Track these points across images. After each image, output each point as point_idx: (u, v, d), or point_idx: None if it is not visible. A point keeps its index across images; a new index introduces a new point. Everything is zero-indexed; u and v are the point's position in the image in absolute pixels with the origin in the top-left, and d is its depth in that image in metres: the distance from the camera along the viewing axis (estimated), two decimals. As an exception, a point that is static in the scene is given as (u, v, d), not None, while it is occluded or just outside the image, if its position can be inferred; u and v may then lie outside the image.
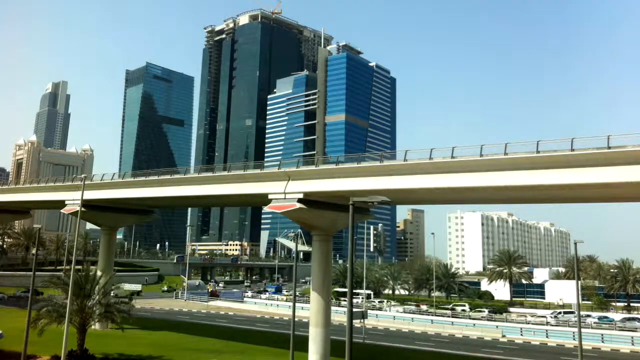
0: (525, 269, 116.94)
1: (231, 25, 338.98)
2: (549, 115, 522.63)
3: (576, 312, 45.41)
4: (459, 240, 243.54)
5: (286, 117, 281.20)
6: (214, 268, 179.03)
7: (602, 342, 59.48)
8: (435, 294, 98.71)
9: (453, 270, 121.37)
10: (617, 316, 74.38)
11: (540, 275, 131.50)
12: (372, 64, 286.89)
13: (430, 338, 62.87)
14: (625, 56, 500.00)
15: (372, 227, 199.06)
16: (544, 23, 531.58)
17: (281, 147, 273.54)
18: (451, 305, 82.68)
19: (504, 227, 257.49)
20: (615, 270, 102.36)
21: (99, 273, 44.10)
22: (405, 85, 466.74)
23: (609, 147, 28.90)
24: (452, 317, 74.19)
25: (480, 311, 78.05)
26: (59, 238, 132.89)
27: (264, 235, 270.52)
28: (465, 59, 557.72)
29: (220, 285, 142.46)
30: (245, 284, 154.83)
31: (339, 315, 72.53)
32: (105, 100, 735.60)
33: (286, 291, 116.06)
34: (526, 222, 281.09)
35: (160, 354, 43.64)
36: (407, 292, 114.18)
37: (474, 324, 69.55)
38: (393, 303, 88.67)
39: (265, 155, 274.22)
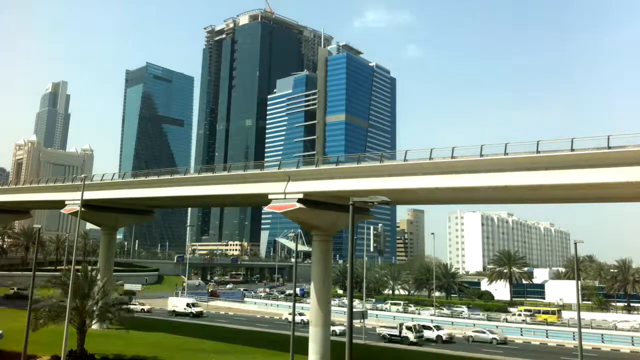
0: (525, 269, 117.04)
1: (231, 25, 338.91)
2: (550, 116, 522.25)
3: (576, 313, 45.32)
4: (459, 240, 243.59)
5: (286, 117, 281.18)
6: (214, 268, 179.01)
7: (602, 342, 59.49)
8: (435, 294, 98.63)
9: (453, 270, 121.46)
10: (617, 317, 74.33)
11: (540, 275, 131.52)
12: (372, 64, 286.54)
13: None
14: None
15: (372, 227, 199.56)
16: (545, 24, 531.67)
17: (281, 147, 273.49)
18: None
19: (504, 227, 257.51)
20: (615, 270, 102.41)
21: (98, 274, 44.03)
22: (406, 85, 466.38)
23: (609, 147, 28.88)
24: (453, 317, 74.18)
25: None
26: (59, 238, 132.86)
27: (264, 235, 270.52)
28: (466, 60, 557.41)
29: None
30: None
31: (339, 315, 72.53)
32: (105, 100, 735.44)
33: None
34: (526, 222, 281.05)
35: (160, 355, 43.53)
36: (407, 292, 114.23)
37: (474, 324, 69.55)
38: None
39: (265, 155, 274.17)
